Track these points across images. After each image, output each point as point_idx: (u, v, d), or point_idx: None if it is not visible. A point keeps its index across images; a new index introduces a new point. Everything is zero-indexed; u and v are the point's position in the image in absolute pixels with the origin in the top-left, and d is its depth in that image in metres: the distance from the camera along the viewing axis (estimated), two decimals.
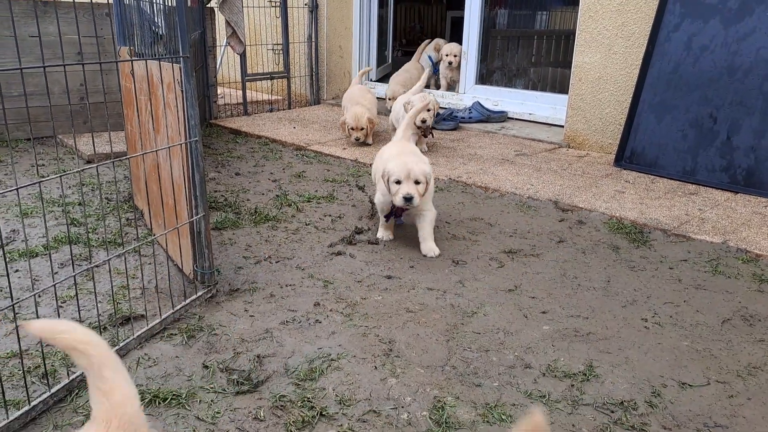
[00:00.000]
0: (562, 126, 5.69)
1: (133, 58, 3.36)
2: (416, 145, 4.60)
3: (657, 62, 4.76)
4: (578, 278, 3.17)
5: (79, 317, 2.52)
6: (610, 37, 5.14)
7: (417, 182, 3.30)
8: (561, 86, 6.56)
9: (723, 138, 4.47)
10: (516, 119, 6.46)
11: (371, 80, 7.93)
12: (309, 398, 2.17)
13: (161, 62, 2.77)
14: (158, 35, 3.28)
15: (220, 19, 6.90)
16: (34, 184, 2.05)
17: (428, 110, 5.05)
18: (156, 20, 3.32)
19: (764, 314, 2.80)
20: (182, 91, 2.65)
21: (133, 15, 3.50)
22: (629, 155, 4.88)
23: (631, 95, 4.93)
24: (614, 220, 3.87)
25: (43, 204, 2.57)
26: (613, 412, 2.13)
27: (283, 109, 7.30)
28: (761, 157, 4.30)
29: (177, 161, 2.78)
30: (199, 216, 2.74)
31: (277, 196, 4.32)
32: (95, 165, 2.35)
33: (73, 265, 2.38)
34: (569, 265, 3.31)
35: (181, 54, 2.62)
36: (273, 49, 7.75)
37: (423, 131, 5.18)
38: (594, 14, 5.20)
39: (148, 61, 3.05)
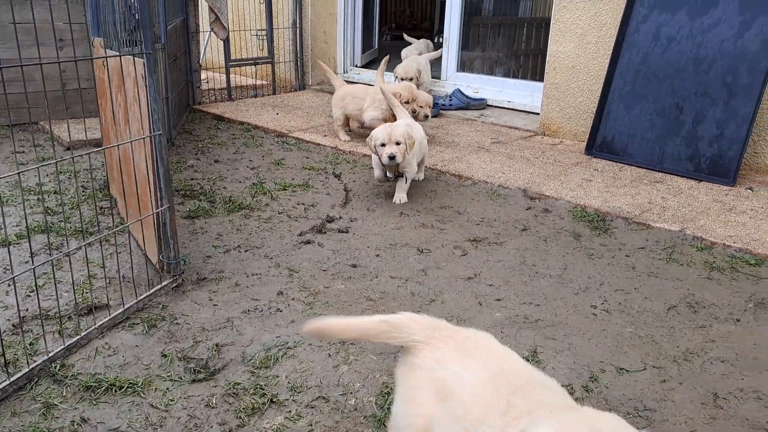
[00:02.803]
0: (539, 114, 5.76)
1: (106, 54, 3.42)
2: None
3: (627, 52, 4.83)
4: (536, 266, 3.27)
5: (39, 308, 2.62)
6: (583, 27, 5.19)
7: (398, 143, 3.90)
8: (539, 74, 6.61)
9: (689, 127, 4.55)
10: (495, 107, 6.52)
11: (356, 65, 7.97)
12: (262, 386, 2.27)
13: (127, 56, 2.84)
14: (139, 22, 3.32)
15: (203, 5, 6.92)
16: (13, 175, 2.13)
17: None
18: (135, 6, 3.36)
19: (709, 301, 2.92)
20: (146, 85, 2.72)
21: (106, 6, 3.54)
22: (600, 144, 4.97)
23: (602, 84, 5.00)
24: (579, 208, 3.97)
25: (22, 193, 2.64)
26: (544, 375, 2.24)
27: (268, 95, 7.34)
28: (724, 146, 4.39)
29: (142, 153, 2.86)
30: (163, 207, 2.82)
31: (254, 184, 4.40)
32: (71, 156, 2.42)
33: (31, 257, 2.47)
34: (529, 253, 3.41)
35: (144, 50, 2.69)
36: (257, 35, 7.77)
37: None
38: (568, 4, 5.25)
39: (119, 56, 3.11)
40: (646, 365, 2.44)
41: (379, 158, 3.97)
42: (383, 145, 3.91)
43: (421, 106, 5.22)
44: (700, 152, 4.49)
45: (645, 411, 2.19)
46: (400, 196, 4.14)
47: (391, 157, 3.89)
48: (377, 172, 4.20)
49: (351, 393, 2.27)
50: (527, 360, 2.44)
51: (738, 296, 2.98)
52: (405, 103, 5.03)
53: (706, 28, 4.48)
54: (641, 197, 4.13)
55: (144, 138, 2.78)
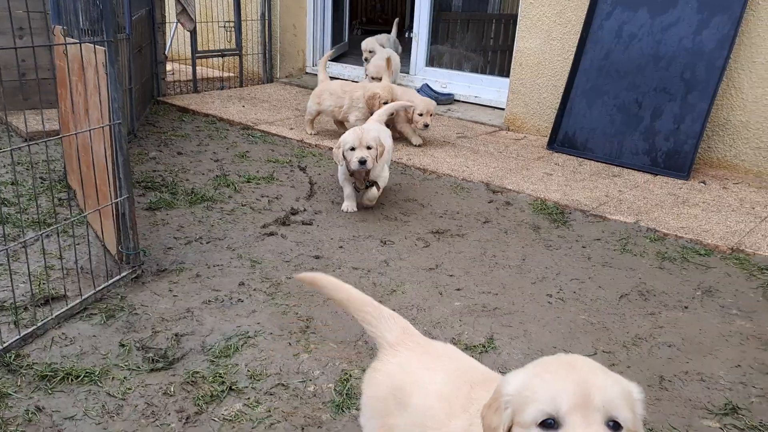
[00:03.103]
0: (504, 109, 5.84)
1: (66, 42, 3.37)
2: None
3: (590, 49, 4.93)
4: (496, 257, 3.34)
5: None
6: (549, 23, 5.28)
7: (369, 147, 3.63)
8: (506, 70, 6.69)
9: (647, 123, 4.67)
10: (462, 102, 6.58)
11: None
12: (221, 374, 2.29)
13: (88, 44, 2.81)
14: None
15: None
16: None
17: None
18: None
19: (660, 290, 3.01)
20: (106, 74, 2.70)
21: None
22: (561, 138, 5.06)
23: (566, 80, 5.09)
24: (539, 201, 4.05)
25: None
26: None
27: (235, 87, 7.29)
28: (680, 141, 4.52)
29: (102, 143, 2.83)
30: (122, 198, 2.81)
31: (217, 176, 4.38)
32: (27, 144, 2.40)
33: None
34: (490, 245, 3.47)
35: (105, 38, 2.67)
36: (225, 27, 7.71)
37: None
38: (534, 1, 5.33)
39: (79, 43, 3.07)
40: (596, 350, 2.52)
41: (347, 164, 3.69)
42: (353, 149, 3.63)
43: (420, 114, 4.98)
44: (657, 147, 4.61)
45: None
46: (369, 199, 3.86)
47: (362, 162, 3.60)
48: (347, 189, 3.87)
49: (310, 380, 2.30)
50: (483, 347, 2.50)
51: (687, 285, 3.08)
52: (384, 104, 4.87)
53: (666, 26, 4.60)
54: (599, 191, 4.23)
55: (103, 127, 2.76)
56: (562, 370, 1.15)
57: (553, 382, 1.12)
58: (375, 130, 3.83)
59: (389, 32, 7.90)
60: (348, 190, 3.88)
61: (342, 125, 5.39)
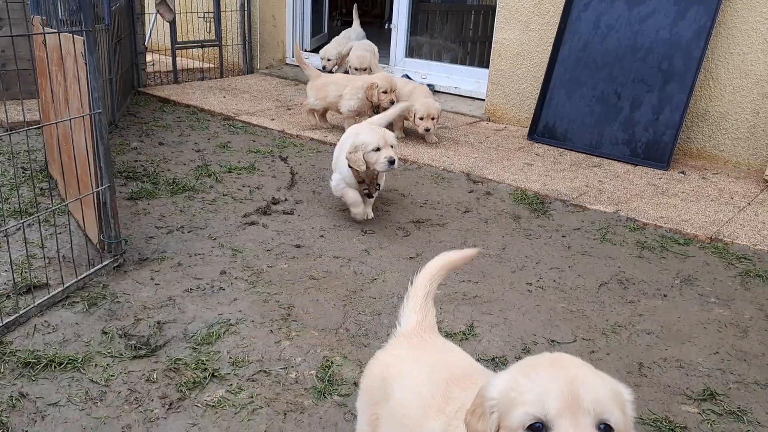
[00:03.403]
0: (484, 100, 5.87)
1: (45, 30, 3.34)
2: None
3: (568, 40, 4.98)
4: (477, 246, 3.35)
5: None
6: (527, 14, 5.32)
7: (392, 146, 3.41)
8: (485, 61, 6.73)
9: (626, 113, 4.74)
10: (443, 92, 6.60)
11: (305, 50, 7.93)
12: (203, 361, 2.30)
13: (67, 34, 2.79)
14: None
15: None
16: None
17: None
18: None
19: (639, 278, 3.07)
20: (85, 64, 2.68)
21: None
22: (541, 129, 5.11)
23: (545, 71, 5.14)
24: (519, 191, 4.09)
25: None
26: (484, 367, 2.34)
27: (215, 78, 7.24)
28: (659, 131, 4.59)
29: (83, 132, 2.82)
30: (103, 187, 2.79)
31: (199, 166, 4.37)
32: (8, 133, 2.38)
33: None
34: (471, 234, 3.51)
35: (84, 28, 2.64)
36: (204, 17, 7.64)
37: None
38: None
39: (58, 33, 3.04)
40: (576, 337, 2.57)
41: (371, 167, 3.38)
42: (377, 149, 3.34)
43: (421, 118, 4.82)
44: (637, 137, 4.68)
45: None
46: (369, 210, 3.65)
47: (392, 162, 3.35)
48: (352, 195, 3.51)
49: (292, 367, 2.32)
50: (464, 334, 2.54)
51: (666, 273, 3.14)
52: (383, 93, 4.82)
53: (643, 17, 4.66)
54: (579, 181, 4.29)
55: (84, 116, 2.74)
56: (549, 370, 1.08)
57: (540, 384, 1.06)
58: (382, 129, 3.57)
59: (350, 24, 7.58)
60: (355, 196, 3.53)
61: (324, 118, 5.36)
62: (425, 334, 1.62)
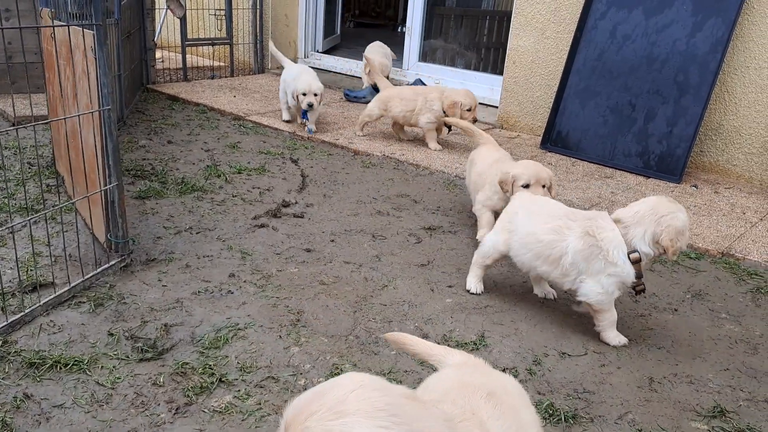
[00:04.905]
0: (498, 107, 5.83)
1: (54, 23, 3.31)
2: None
3: (584, 49, 4.93)
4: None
5: None
6: (543, 21, 5.28)
7: (543, 185, 3.20)
8: (500, 67, 6.69)
9: (640, 125, 4.69)
10: None
11: (318, 51, 7.91)
12: (211, 365, 2.26)
13: (75, 28, 2.76)
14: None
15: None
16: None
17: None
18: None
19: (650, 292, 3.02)
20: (95, 58, 2.65)
21: None
22: (554, 138, 5.07)
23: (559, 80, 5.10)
24: None
25: None
26: None
27: (225, 77, 7.22)
28: (672, 144, 4.54)
29: (91, 129, 2.79)
30: (112, 185, 2.76)
31: (208, 166, 4.34)
32: (15, 128, 2.35)
33: None
34: None
35: (94, 21, 2.62)
36: (216, 15, 7.63)
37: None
38: None
39: (67, 26, 3.02)
40: (587, 350, 2.52)
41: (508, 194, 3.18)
42: (527, 186, 3.17)
43: (469, 109, 4.68)
44: (650, 149, 4.63)
45: (584, 393, 2.26)
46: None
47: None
48: (489, 216, 3.42)
49: (301, 374, 2.28)
50: (474, 344, 2.50)
51: (677, 288, 3.10)
52: (467, 110, 4.64)
53: (660, 28, 4.61)
54: (591, 191, 4.24)
55: (92, 113, 2.71)
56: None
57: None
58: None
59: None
60: (489, 216, 3.45)
61: (402, 129, 5.19)
62: (479, 364, 1.65)
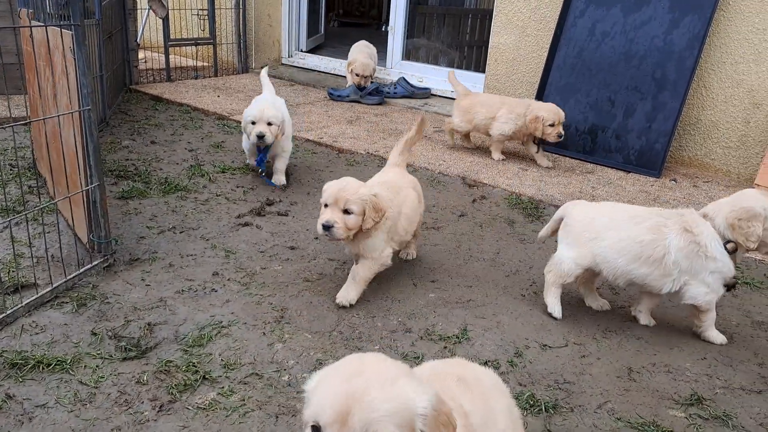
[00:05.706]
0: None
1: (31, 25, 3.29)
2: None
3: (564, 46, 4.98)
4: (471, 250, 3.36)
5: None
6: (524, 19, 5.32)
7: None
8: (482, 65, 6.73)
9: (619, 120, 4.75)
10: (439, 96, 6.60)
11: (301, 50, 7.90)
12: (194, 363, 2.27)
13: (54, 28, 2.75)
14: None
15: None
16: None
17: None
18: None
19: None
20: (74, 59, 2.64)
21: None
22: None
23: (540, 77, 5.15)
24: (514, 196, 4.09)
25: None
26: None
27: (209, 77, 7.20)
28: (651, 139, 4.61)
29: (71, 129, 2.78)
30: (93, 185, 2.76)
31: (192, 166, 4.33)
32: None
33: None
34: (465, 238, 3.50)
35: (72, 22, 2.61)
36: (198, 15, 7.60)
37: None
38: None
39: (44, 26, 3.00)
40: (567, 342, 2.56)
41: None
42: (552, 125, 3.38)
43: (552, 125, 4.46)
44: (630, 145, 4.70)
45: (565, 384, 2.30)
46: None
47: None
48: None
49: (285, 369, 2.29)
50: (457, 337, 2.52)
51: None
52: (549, 125, 4.45)
53: (638, 25, 4.68)
54: (573, 186, 4.29)
55: (72, 113, 2.70)
56: (340, 379, 1.16)
57: (324, 392, 1.16)
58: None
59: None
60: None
61: (467, 139, 5.01)
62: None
